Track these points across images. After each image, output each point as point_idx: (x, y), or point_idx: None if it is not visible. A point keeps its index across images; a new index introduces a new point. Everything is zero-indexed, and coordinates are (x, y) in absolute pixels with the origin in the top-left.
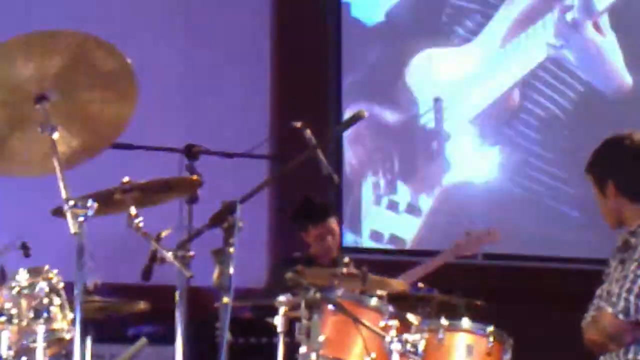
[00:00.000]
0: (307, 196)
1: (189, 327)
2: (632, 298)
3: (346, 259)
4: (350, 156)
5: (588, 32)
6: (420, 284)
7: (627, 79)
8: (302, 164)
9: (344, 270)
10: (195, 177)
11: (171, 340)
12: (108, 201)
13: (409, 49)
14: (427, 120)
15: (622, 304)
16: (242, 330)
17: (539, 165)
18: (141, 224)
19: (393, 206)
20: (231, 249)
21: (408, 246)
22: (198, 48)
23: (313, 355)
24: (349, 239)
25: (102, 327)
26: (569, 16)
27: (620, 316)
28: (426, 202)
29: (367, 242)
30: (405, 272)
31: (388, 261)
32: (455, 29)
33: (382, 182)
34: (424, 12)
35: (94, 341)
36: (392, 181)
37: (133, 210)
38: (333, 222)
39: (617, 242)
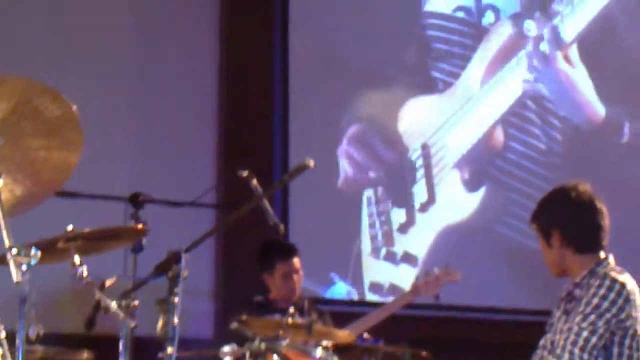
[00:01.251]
0: (270, 237)
1: None
2: (576, 351)
3: (291, 309)
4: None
5: (559, 63)
6: (366, 335)
7: (600, 110)
8: (248, 213)
9: (289, 320)
10: (140, 225)
11: None
12: (52, 249)
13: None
14: (418, 166)
15: (566, 356)
16: None
17: (523, 202)
18: (85, 273)
19: (391, 257)
20: (176, 299)
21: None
22: (145, 95)
23: None
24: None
25: None
26: (541, 47)
27: None
28: (421, 250)
29: (368, 295)
30: (364, 316)
31: (350, 313)
32: (436, 75)
33: (379, 234)
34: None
35: None
36: (389, 233)
37: (77, 259)
38: (298, 262)
39: (561, 292)
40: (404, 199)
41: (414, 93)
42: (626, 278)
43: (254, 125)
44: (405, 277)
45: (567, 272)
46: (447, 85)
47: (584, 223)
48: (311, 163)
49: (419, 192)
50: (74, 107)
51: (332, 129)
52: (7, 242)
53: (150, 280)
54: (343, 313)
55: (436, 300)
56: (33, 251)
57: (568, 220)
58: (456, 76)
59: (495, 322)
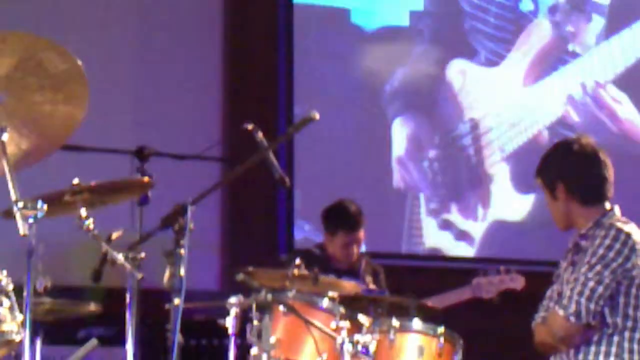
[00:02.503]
0: (344, 201)
1: (139, 329)
2: (583, 301)
3: (297, 261)
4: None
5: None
6: (372, 285)
7: None
8: (253, 167)
9: (295, 271)
10: (146, 178)
11: (122, 342)
12: (58, 203)
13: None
14: (466, 142)
15: (573, 306)
16: (194, 332)
17: None
18: (92, 226)
19: (447, 226)
20: (182, 251)
21: None
22: (150, 49)
23: (264, 357)
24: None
25: (52, 329)
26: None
27: (572, 319)
28: (477, 231)
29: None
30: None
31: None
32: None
33: (434, 202)
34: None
35: (43, 343)
36: (444, 200)
37: (83, 212)
38: (362, 233)
39: (568, 244)
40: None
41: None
42: (632, 228)
43: (259, 78)
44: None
45: (573, 224)
46: (490, 60)
47: (588, 174)
48: (316, 115)
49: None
50: (79, 62)
51: (337, 82)
52: (13, 196)
53: (157, 233)
54: (396, 267)
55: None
56: (39, 204)
57: (572, 172)
58: (497, 56)
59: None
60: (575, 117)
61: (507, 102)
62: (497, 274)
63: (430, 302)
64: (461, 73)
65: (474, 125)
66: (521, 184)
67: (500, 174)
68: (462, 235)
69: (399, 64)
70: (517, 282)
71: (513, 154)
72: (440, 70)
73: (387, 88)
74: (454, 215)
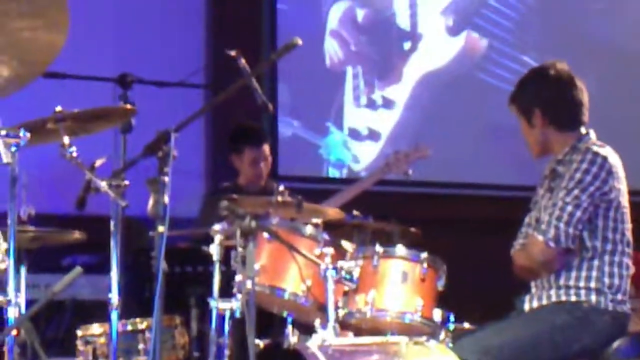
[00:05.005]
0: (245, 121)
1: (124, 256)
2: (562, 225)
3: (281, 187)
4: (331, 54)
5: None
6: (356, 212)
7: None
8: (236, 93)
9: (279, 198)
10: (129, 106)
11: (106, 270)
12: (41, 131)
13: None
14: (401, 18)
15: (552, 231)
16: (178, 259)
17: (506, 51)
18: (75, 154)
19: (371, 104)
20: (166, 178)
21: (384, 140)
22: None
23: (249, 283)
24: (341, 139)
25: (36, 257)
26: None
27: (551, 244)
28: (401, 96)
29: (347, 139)
30: (332, 197)
31: (325, 190)
32: None
33: (361, 83)
34: None
35: (28, 271)
36: (370, 81)
37: (66, 139)
38: (267, 149)
39: (544, 170)
40: (387, 52)
41: None
42: (608, 151)
43: (242, 4)
44: (383, 122)
45: (549, 150)
46: None
47: (565, 100)
48: (299, 41)
49: (403, 40)
50: None
51: (319, 8)
52: None
53: (140, 160)
54: (315, 190)
55: (406, 177)
56: (22, 132)
57: (549, 98)
58: None
59: (481, 198)
60: None
61: None
62: (403, 151)
63: (350, 190)
64: None
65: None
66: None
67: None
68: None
69: None
70: (424, 152)
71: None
72: None
73: None
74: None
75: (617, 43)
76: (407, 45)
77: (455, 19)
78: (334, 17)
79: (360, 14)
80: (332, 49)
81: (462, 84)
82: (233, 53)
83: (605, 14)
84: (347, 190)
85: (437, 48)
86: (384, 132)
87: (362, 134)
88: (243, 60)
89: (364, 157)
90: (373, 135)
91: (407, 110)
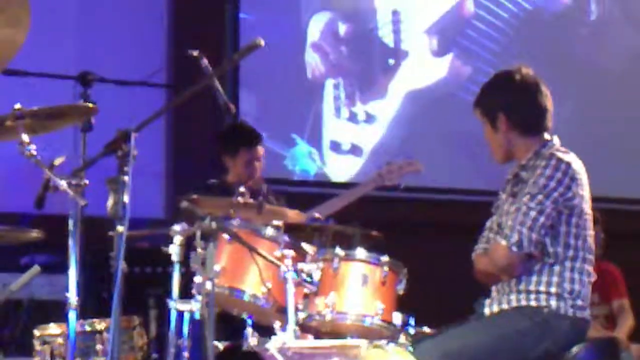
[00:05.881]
0: (240, 122)
1: (83, 256)
2: (525, 230)
3: (242, 188)
4: (312, 66)
5: None
6: (317, 214)
7: None
8: (198, 93)
9: (240, 199)
10: (89, 104)
11: (65, 270)
12: (0, 128)
13: None
14: (384, 34)
15: (515, 236)
16: (138, 260)
17: (490, 73)
18: (34, 152)
19: (353, 117)
20: (126, 178)
21: (366, 155)
22: None
23: (208, 285)
24: (306, 151)
25: None
26: None
27: (514, 248)
28: (384, 112)
29: (327, 153)
30: (324, 203)
31: (313, 194)
32: None
33: (342, 95)
34: None
35: None
36: (351, 94)
37: (26, 137)
38: (261, 150)
39: (508, 174)
40: (369, 66)
41: None
42: (572, 158)
43: (205, 3)
44: (366, 137)
45: (513, 155)
46: None
47: (530, 105)
48: (262, 42)
49: (386, 57)
50: None
51: (284, 8)
52: None
53: (100, 159)
54: (304, 194)
55: (397, 189)
56: None
57: (514, 102)
58: None
59: (442, 202)
60: None
61: None
62: (396, 163)
63: (341, 198)
64: None
65: (396, 16)
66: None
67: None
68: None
69: None
70: (417, 166)
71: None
72: None
73: None
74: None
75: (600, 66)
76: (391, 62)
77: (439, 40)
78: (314, 28)
79: (342, 27)
80: (312, 60)
81: (446, 102)
82: (195, 53)
83: (589, 38)
84: (335, 199)
85: (421, 67)
86: (366, 147)
87: (343, 148)
88: (205, 61)
89: (344, 169)
90: (355, 150)
91: (390, 126)
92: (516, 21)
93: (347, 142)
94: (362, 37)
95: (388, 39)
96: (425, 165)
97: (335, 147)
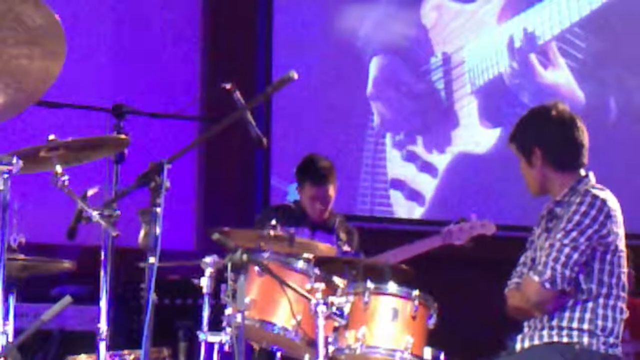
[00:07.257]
0: (315, 155)
1: (113, 287)
2: (558, 267)
3: (273, 222)
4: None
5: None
6: (347, 247)
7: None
8: (230, 126)
9: (271, 231)
10: (122, 136)
11: (96, 301)
12: (34, 159)
13: None
14: (437, 77)
15: (548, 272)
16: (168, 292)
17: None
18: (67, 183)
19: (412, 157)
20: (158, 209)
21: (426, 202)
22: (129, 6)
23: (239, 317)
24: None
25: (26, 286)
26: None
27: (547, 285)
28: (441, 163)
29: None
30: (390, 251)
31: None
32: None
33: (402, 134)
34: None
35: (17, 300)
36: (410, 133)
37: (59, 168)
38: (330, 189)
39: (542, 210)
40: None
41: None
42: (607, 195)
43: (238, 37)
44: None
45: (548, 190)
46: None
47: (566, 141)
48: (295, 75)
49: (441, 113)
50: (57, 16)
51: (316, 41)
52: None
53: (132, 191)
54: (370, 230)
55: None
56: (15, 160)
57: (549, 137)
58: None
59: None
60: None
61: (480, 38)
62: (469, 220)
63: (405, 250)
64: (436, 9)
65: (446, 59)
66: (488, 119)
67: (468, 107)
68: (426, 167)
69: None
70: (488, 228)
71: (482, 87)
72: (414, 7)
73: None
74: (419, 148)
75: None
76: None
77: (487, 108)
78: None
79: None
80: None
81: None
82: (228, 86)
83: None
84: (400, 249)
85: (472, 134)
86: (427, 194)
87: (404, 188)
88: (238, 93)
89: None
90: (415, 195)
91: (446, 178)
92: None
93: (406, 187)
94: (418, 86)
95: (441, 95)
96: (454, 199)
97: (397, 185)
